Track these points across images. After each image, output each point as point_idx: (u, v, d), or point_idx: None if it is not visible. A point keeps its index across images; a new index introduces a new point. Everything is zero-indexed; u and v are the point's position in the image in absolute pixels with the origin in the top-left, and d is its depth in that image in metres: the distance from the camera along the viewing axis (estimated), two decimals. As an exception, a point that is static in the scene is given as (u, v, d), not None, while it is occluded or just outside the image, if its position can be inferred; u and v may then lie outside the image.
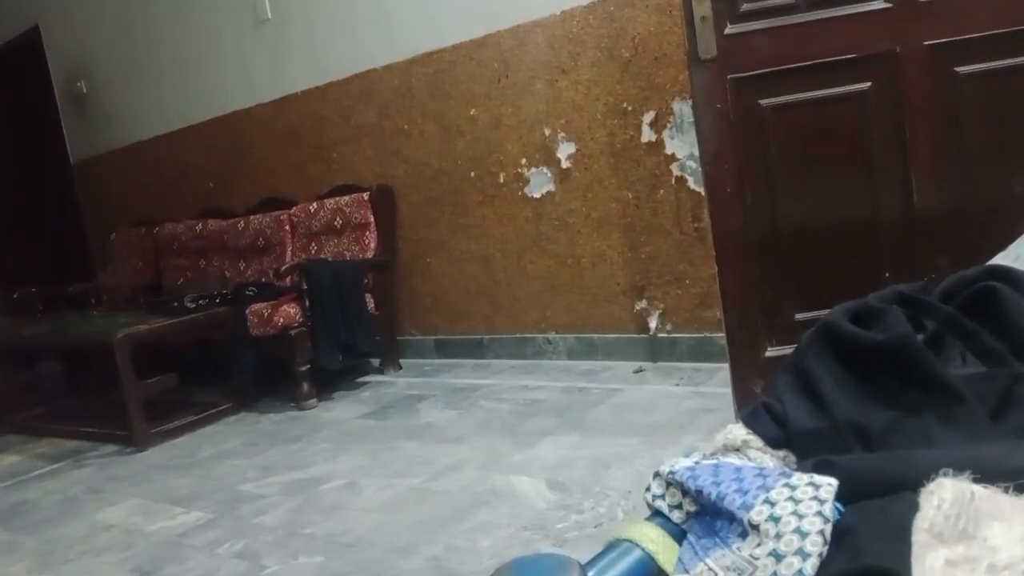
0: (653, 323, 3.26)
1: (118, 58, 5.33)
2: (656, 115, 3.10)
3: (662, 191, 3.14)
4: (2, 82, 6.20)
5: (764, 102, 2.10)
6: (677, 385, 2.95)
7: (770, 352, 2.18)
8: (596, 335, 3.45)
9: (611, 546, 0.66)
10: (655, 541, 0.65)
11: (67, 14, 5.60)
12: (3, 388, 4.56)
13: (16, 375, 5.02)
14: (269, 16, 4.30)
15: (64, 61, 5.78)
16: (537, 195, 3.50)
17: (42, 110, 5.98)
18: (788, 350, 2.18)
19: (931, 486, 0.58)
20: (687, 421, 2.55)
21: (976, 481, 0.58)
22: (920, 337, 0.81)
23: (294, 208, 4.29)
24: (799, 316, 2.14)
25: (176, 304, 3.93)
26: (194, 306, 3.84)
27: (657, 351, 3.26)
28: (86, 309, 4.92)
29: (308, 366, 3.53)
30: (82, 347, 4.05)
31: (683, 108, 2.99)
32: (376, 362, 4.00)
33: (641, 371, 3.20)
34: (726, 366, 2.25)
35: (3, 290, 5.70)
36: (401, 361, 4.00)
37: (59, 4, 5.64)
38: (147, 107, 5.23)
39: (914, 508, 0.57)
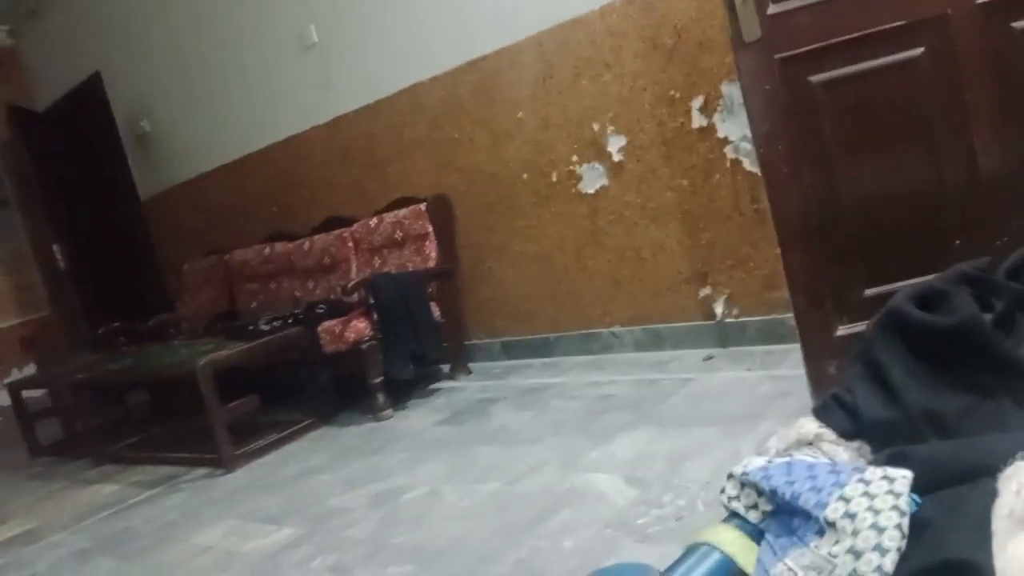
0: (719, 309, 3.23)
1: (176, 96, 5.53)
2: (705, 99, 3.07)
3: (718, 175, 3.11)
4: (71, 127, 6.48)
5: (814, 79, 2.05)
6: (749, 370, 2.92)
7: (841, 331, 2.13)
8: (662, 325, 3.43)
9: (690, 550, 0.67)
10: (733, 543, 0.66)
11: (125, 59, 5.83)
12: (96, 421, 4.76)
13: (107, 408, 5.25)
14: (316, 40, 4.40)
15: (126, 103, 6.02)
16: (591, 191, 3.50)
17: (110, 151, 6.22)
18: (860, 327, 2.13)
19: (1008, 471, 0.58)
20: (762, 407, 2.52)
21: (1054, 464, 0.57)
22: (988, 317, 0.80)
23: (355, 225, 4.38)
24: (869, 292, 2.10)
25: (251, 328, 4.05)
26: (268, 328, 3.96)
27: (726, 337, 3.23)
28: (167, 340, 5.12)
29: (381, 378, 3.61)
30: (166, 377, 4.20)
31: (732, 90, 2.95)
32: (446, 368, 4.06)
33: (711, 358, 3.17)
34: (798, 347, 2.21)
35: (88, 327, 5.98)
36: (470, 365, 4.05)
37: (117, 50, 5.87)
38: (207, 140, 5.41)
39: (993, 495, 0.57)
